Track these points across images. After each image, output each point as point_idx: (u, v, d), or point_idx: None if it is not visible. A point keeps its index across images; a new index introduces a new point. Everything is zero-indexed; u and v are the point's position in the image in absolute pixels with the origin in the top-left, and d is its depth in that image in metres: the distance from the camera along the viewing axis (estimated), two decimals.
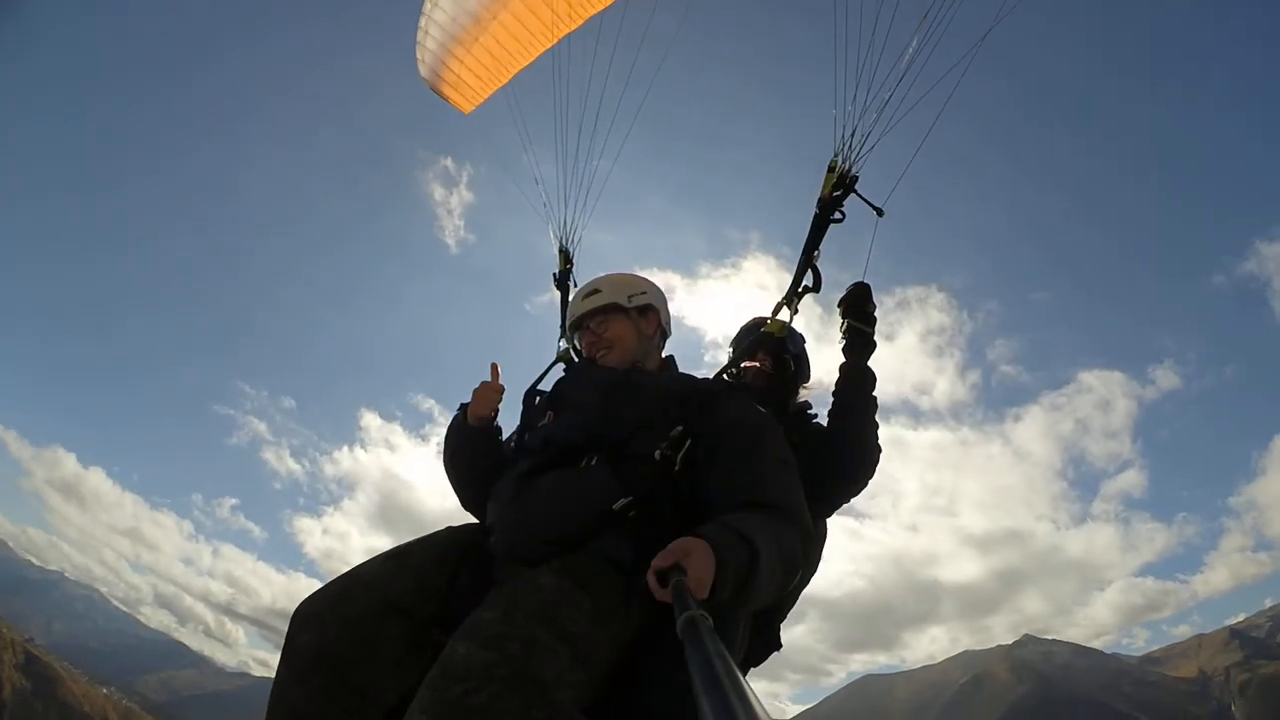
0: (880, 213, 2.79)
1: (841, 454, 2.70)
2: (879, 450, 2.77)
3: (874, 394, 2.79)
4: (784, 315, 2.77)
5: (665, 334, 2.55)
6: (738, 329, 3.26)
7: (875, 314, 2.86)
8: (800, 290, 2.74)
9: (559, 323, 3.06)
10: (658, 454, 1.99)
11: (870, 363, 2.83)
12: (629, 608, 1.78)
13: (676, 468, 1.98)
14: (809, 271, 2.76)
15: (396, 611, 1.88)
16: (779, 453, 2.04)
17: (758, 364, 2.98)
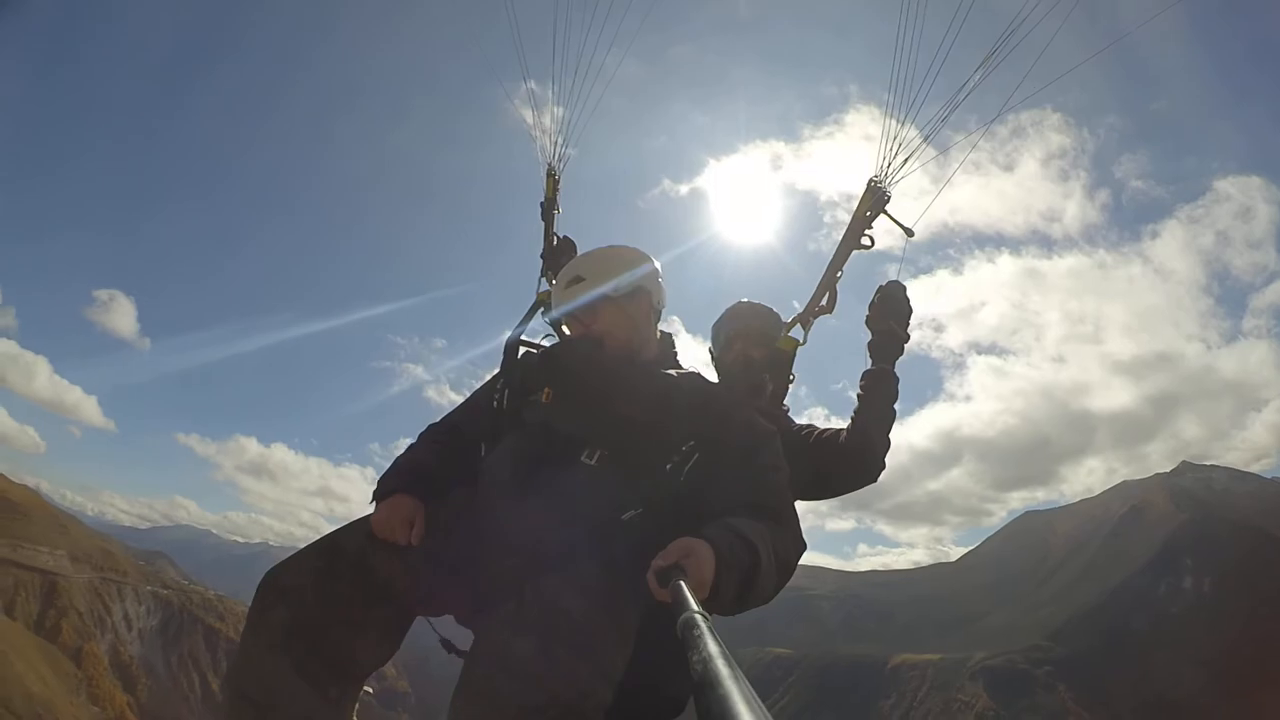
0: (910, 234, 2.73)
1: (859, 465, 2.73)
2: (884, 463, 2.77)
3: (896, 405, 2.78)
4: (797, 333, 2.70)
5: (659, 313, 2.40)
6: (721, 314, 3.14)
7: (911, 313, 2.85)
8: (818, 310, 2.72)
9: (542, 254, 2.98)
10: (669, 466, 1.97)
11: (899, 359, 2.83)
12: (638, 612, 1.79)
13: (682, 479, 1.96)
14: (828, 293, 2.71)
15: (382, 592, 1.86)
16: (777, 462, 2.06)
17: (735, 353, 2.94)
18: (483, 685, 1.58)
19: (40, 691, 47.67)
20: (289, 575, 1.86)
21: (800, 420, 2.96)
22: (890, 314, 2.80)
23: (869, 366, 2.81)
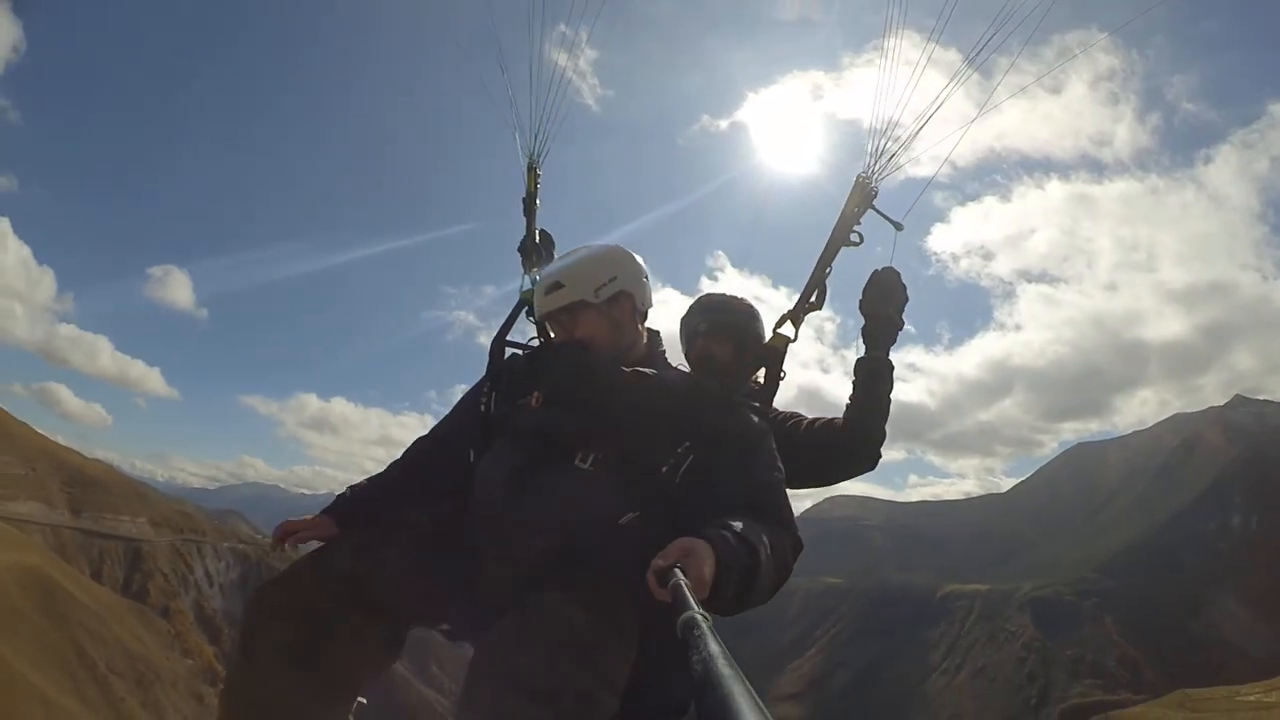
0: (899, 227, 2.69)
1: (858, 455, 2.73)
2: (881, 453, 2.78)
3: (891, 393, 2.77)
4: (787, 330, 2.59)
5: (644, 313, 2.34)
6: (688, 307, 3.06)
7: (907, 300, 2.79)
8: (807, 306, 2.63)
9: (520, 248, 2.92)
10: (664, 469, 1.95)
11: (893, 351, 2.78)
12: (639, 617, 1.75)
13: (678, 480, 1.96)
14: (817, 289, 2.64)
15: (374, 606, 1.81)
16: (773, 461, 2.05)
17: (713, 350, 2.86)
18: (489, 701, 1.53)
19: (139, 649, 50.13)
20: (278, 593, 1.83)
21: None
22: (886, 300, 2.75)
23: (863, 354, 2.77)
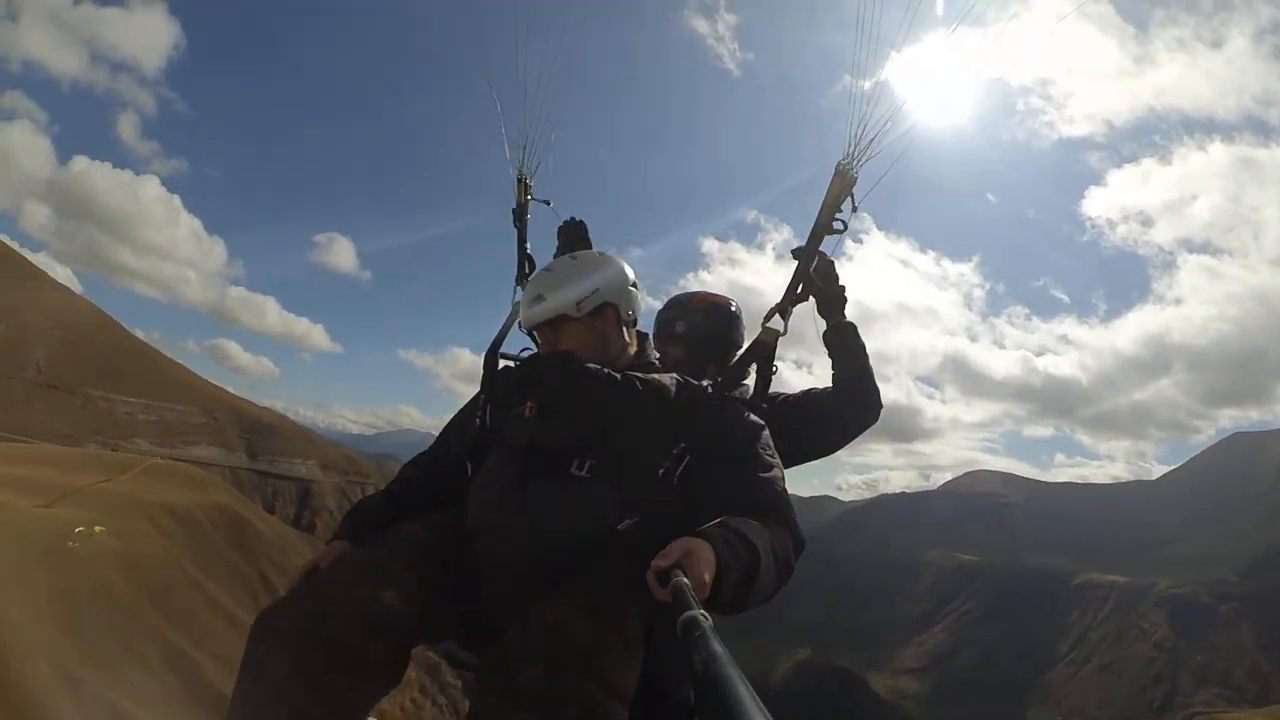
0: (855, 209, 2.58)
1: (844, 411, 2.81)
2: (881, 401, 2.86)
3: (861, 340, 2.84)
4: (776, 322, 2.51)
5: (632, 321, 2.32)
6: (662, 308, 3.05)
7: (832, 264, 2.80)
8: (796, 297, 2.56)
9: (516, 266, 2.86)
10: (660, 472, 1.94)
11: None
12: (643, 623, 1.71)
13: (675, 482, 1.94)
14: (804, 281, 2.56)
15: (378, 631, 1.73)
16: (771, 458, 2.04)
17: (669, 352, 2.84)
18: (497, 717, 1.51)
19: None
20: (281, 617, 1.75)
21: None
22: (828, 278, 2.78)
23: (825, 328, 2.85)
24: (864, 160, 2.55)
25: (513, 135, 3.02)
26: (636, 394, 2.05)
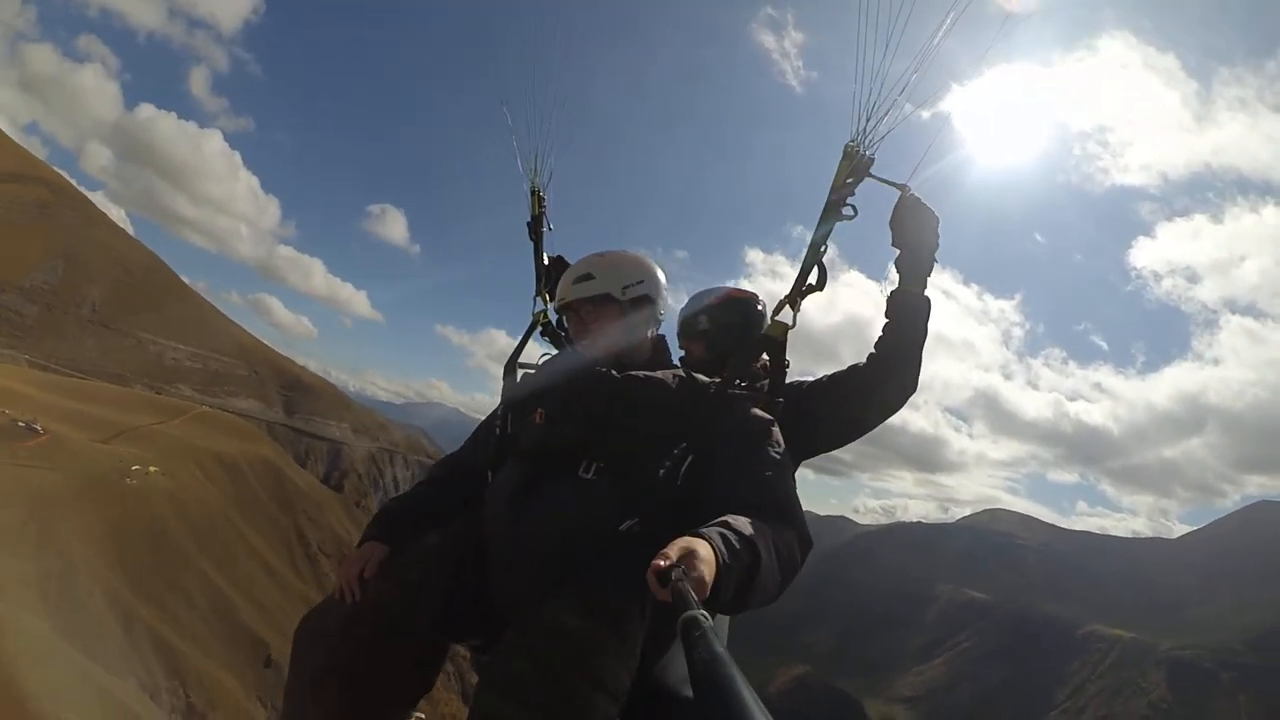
0: (905, 189, 2.45)
1: (893, 370, 2.49)
2: (918, 379, 2.54)
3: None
4: (786, 315, 2.40)
5: (660, 321, 2.36)
6: (685, 304, 2.97)
7: (938, 220, 2.45)
8: (805, 289, 2.42)
9: (534, 278, 2.89)
10: (662, 472, 1.94)
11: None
12: (643, 623, 1.70)
13: (678, 482, 1.93)
14: (815, 269, 2.42)
15: (401, 633, 1.88)
16: (777, 456, 2.02)
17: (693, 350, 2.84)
18: (483, 710, 1.57)
19: (345, 536, 54.15)
20: (320, 619, 1.94)
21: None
22: (922, 226, 2.45)
23: (898, 287, 2.50)
24: (876, 140, 2.39)
25: (524, 149, 3.04)
26: (640, 393, 2.09)
